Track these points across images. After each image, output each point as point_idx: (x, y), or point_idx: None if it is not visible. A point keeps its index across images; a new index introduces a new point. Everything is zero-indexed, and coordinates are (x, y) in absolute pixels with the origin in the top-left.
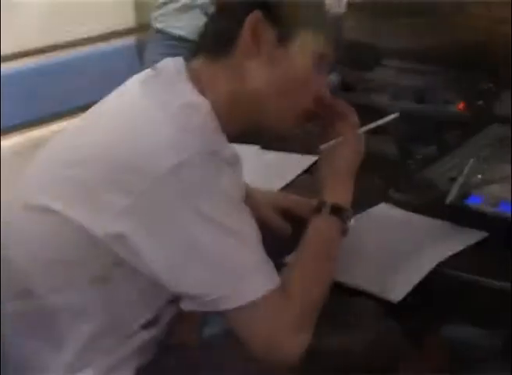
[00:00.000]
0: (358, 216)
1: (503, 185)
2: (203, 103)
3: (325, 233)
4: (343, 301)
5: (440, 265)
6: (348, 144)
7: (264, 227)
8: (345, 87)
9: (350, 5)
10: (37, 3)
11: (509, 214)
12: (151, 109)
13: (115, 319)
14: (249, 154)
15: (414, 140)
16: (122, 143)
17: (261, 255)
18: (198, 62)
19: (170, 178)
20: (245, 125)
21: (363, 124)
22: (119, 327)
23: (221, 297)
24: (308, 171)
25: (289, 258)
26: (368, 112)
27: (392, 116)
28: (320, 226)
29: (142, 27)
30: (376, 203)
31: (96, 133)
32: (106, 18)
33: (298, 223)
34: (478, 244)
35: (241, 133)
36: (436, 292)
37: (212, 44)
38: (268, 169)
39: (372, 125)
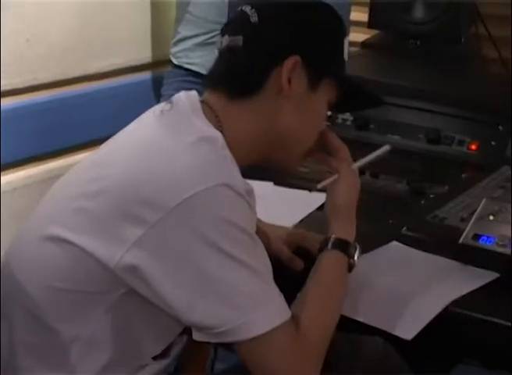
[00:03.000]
0: (370, 253)
1: None
2: (218, 136)
3: (330, 268)
4: (351, 339)
5: (452, 304)
6: (343, 179)
7: (276, 262)
8: (358, 127)
9: (363, 44)
10: (55, 35)
11: None
12: (166, 142)
13: (126, 351)
14: (263, 190)
15: (426, 180)
16: (137, 175)
17: (273, 287)
18: (214, 97)
19: (184, 210)
20: (257, 161)
21: (375, 164)
22: (130, 359)
23: (233, 328)
24: (321, 208)
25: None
26: None
27: (383, 149)
28: (325, 261)
29: (158, 63)
30: (389, 242)
31: (111, 166)
32: (123, 53)
33: (310, 258)
34: (489, 284)
35: (248, 167)
36: (447, 331)
37: (235, 82)
38: (282, 206)
39: (365, 160)
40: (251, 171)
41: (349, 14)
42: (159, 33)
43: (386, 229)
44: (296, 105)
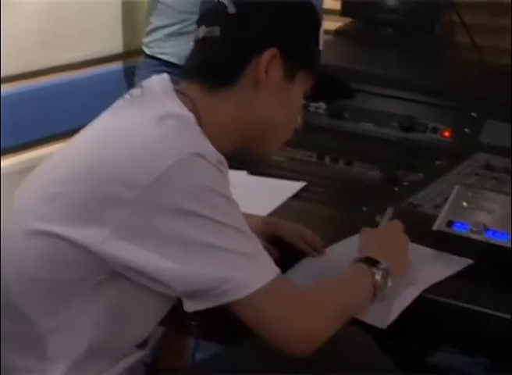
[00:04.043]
0: (345, 240)
1: (488, 212)
2: (189, 116)
3: (350, 272)
4: None
5: (427, 291)
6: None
7: None
8: (332, 115)
9: (337, 32)
10: (28, 27)
11: (494, 241)
12: (139, 123)
13: (107, 339)
14: (237, 179)
15: (400, 167)
16: (109, 156)
17: (259, 244)
18: (191, 87)
19: (160, 185)
20: (235, 147)
21: (349, 152)
22: (111, 348)
23: (230, 287)
24: (295, 197)
25: None
26: (355, 140)
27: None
28: (349, 269)
29: (131, 53)
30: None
31: (84, 153)
32: (95, 44)
33: (284, 247)
34: (464, 270)
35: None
36: (423, 318)
37: (212, 72)
38: (256, 195)
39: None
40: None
41: (322, 2)
42: (130, 24)
43: (360, 216)
44: (273, 95)
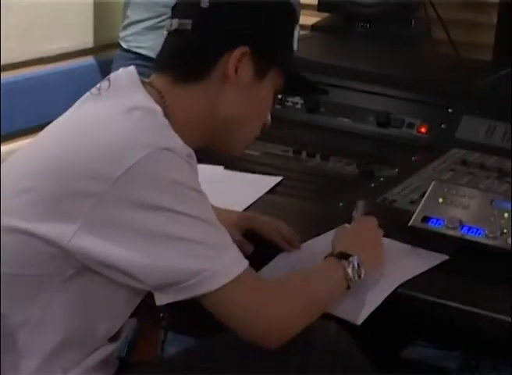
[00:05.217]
0: (321, 236)
1: (463, 208)
2: (156, 109)
3: (319, 266)
4: None
5: (402, 286)
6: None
7: None
8: (308, 110)
9: (313, 27)
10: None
11: (469, 236)
12: (101, 114)
13: (79, 332)
14: (213, 174)
15: (376, 162)
16: (76, 150)
17: (228, 236)
18: (160, 79)
19: (129, 179)
20: (202, 142)
21: (325, 147)
22: (83, 341)
23: (201, 279)
24: (271, 191)
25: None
26: (331, 135)
27: None
28: (319, 263)
29: (104, 46)
30: (339, 224)
31: (51, 147)
32: (66, 39)
33: (260, 241)
34: (439, 266)
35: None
36: (398, 313)
37: (182, 66)
38: (233, 189)
39: None
40: (200, 155)
41: None
42: (103, 18)
43: (337, 212)
44: (242, 92)
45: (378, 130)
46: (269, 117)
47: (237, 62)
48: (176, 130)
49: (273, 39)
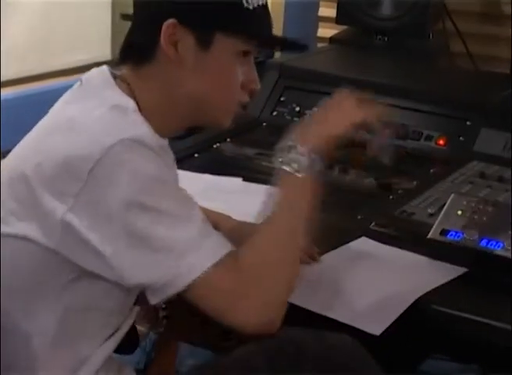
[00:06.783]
0: (339, 249)
1: (482, 221)
2: (128, 103)
3: (280, 196)
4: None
5: (420, 299)
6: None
7: None
8: None
9: (332, 40)
10: (18, 33)
11: (488, 249)
12: (78, 116)
13: (71, 339)
14: (231, 186)
15: (394, 175)
16: (52, 149)
17: (199, 228)
18: (124, 69)
19: (97, 175)
20: (185, 123)
21: (344, 160)
22: (75, 347)
23: (169, 280)
24: None
25: None
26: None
27: None
28: (277, 190)
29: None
30: (358, 237)
31: (28, 148)
32: (84, 51)
33: None
34: (457, 279)
35: (184, 130)
36: (416, 326)
37: (134, 54)
38: (251, 201)
39: None
40: (220, 169)
41: (317, 10)
42: (121, 31)
43: (355, 224)
44: (194, 67)
45: (397, 142)
46: (256, 81)
47: (169, 37)
48: (150, 119)
49: (198, 4)
